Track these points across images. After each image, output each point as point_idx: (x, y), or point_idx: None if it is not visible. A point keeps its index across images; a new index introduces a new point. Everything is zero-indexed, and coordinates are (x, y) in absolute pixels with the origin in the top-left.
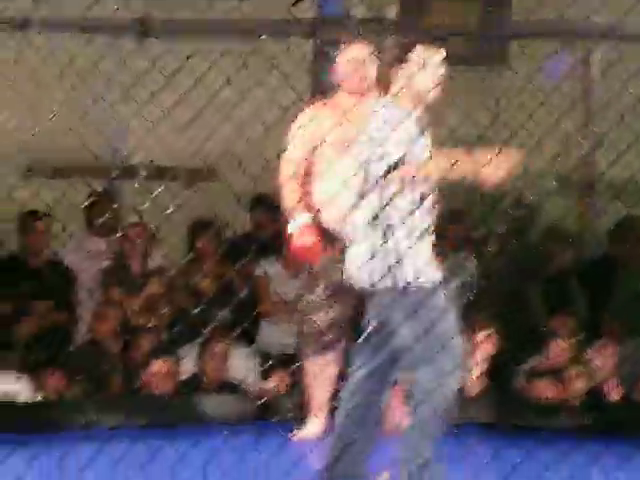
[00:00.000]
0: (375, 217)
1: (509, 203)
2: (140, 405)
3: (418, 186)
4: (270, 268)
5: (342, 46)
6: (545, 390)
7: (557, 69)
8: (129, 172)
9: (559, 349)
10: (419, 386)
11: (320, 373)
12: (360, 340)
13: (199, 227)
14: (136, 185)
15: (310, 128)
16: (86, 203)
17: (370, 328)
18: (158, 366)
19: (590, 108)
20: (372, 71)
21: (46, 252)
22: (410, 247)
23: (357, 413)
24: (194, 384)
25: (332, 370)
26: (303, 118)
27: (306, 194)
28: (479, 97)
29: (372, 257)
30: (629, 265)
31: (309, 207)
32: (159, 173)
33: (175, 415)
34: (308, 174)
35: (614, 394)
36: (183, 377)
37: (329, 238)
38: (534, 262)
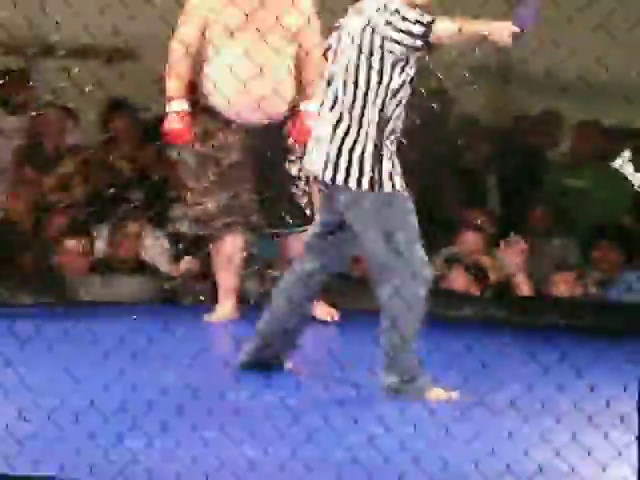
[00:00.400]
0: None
1: (425, 93)
2: (52, 284)
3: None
4: (185, 151)
5: None
6: (457, 280)
7: (529, 15)
8: (48, 50)
9: (470, 240)
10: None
11: (225, 258)
12: (310, 232)
13: (114, 106)
14: (54, 63)
15: (203, 10)
16: (1, 81)
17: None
18: (72, 244)
19: None
20: None
21: None
22: (377, 147)
23: (294, 301)
24: (106, 264)
25: (237, 254)
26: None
27: (195, 75)
28: None
29: (339, 151)
30: (546, 160)
31: (194, 89)
32: (78, 52)
33: (86, 295)
34: (200, 54)
35: (524, 289)
36: (96, 257)
37: (219, 122)
38: (449, 154)
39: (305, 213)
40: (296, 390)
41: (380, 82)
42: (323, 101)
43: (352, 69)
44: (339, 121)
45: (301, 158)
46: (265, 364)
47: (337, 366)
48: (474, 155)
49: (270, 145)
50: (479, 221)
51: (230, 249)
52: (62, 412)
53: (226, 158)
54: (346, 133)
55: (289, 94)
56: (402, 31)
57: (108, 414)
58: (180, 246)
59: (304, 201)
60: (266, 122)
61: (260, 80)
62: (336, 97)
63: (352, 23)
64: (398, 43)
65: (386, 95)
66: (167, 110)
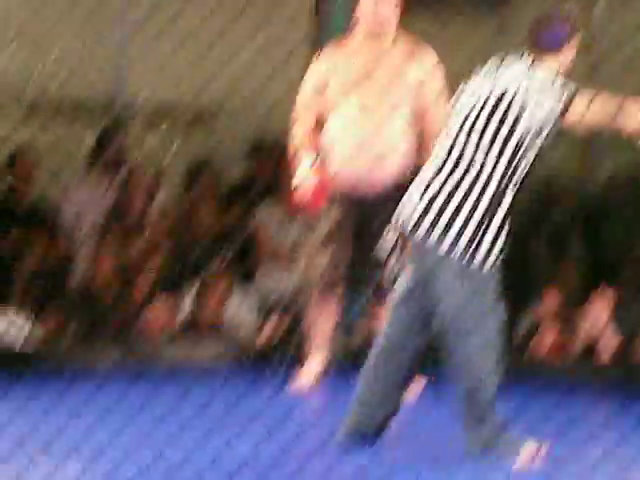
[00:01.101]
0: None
1: None
2: (139, 345)
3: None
4: (269, 213)
5: None
6: (545, 339)
7: (557, 37)
8: (133, 111)
9: (556, 300)
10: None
11: (321, 314)
12: (398, 294)
13: (197, 169)
14: (139, 125)
15: (323, 69)
16: (92, 141)
17: (410, 283)
18: (159, 304)
19: (592, 57)
20: (392, 11)
21: (32, 192)
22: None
23: (384, 371)
24: (192, 324)
25: (333, 312)
26: (318, 60)
27: (316, 136)
28: (482, 41)
29: (453, 216)
30: (624, 214)
31: (316, 148)
32: (164, 113)
33: (173, 356)
34: (320, 117)
35: (610, 343)
36: (182, 316)
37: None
38: (535, 211)
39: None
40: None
41: (515, 153)
42: (442, 160)
43: (487, 136)
44: (459, 187)
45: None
46: (366, 435)
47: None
48: (561, 212)
49: (369, 217)
50: (566, 278)
51: (325, 304)
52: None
53: (333, 217)
54: (465, 200)
55: (401, 154)
56: (544, 107)
57: None
58: (268, 305)
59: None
60: (374, 188)
61: (370, 143)
62: (460, 161)
63: (489, 84)
64: (539, 119)
65: (517, 169)
66: (297, 167)
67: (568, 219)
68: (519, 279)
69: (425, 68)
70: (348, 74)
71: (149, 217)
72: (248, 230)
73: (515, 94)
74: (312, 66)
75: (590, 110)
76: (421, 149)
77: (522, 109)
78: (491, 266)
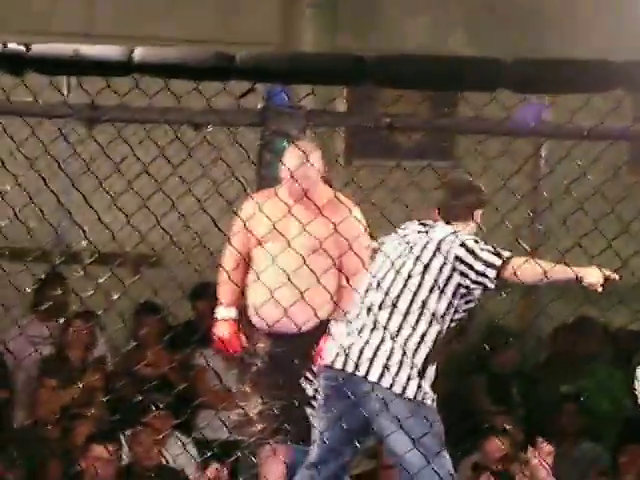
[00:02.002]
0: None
1: None
2: None
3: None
4: (210, 357)
5: (288, 144)
6: None
7: (530, 116)
8: (74, 257)
9: (496, 447)
10: None
11: (266, 466)
12: (323, 424)
13: (145, 311)
14: (80, 271)
15: (250, 220)
16: (34, 287)
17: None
18: (98, 451)
19: (537, 204)
20: (314, 172)
21: None
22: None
23: None
24: (131, 471)
25: (277, 466)
26: (245, 209)
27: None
28: (425, 192)
29: (378, 347)
30: (567, 367)
31: (240, 299)
32: (103, 259)
33: None
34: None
35: None
36: (123, 463)
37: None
38: (475, 360)
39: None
40: None
41: (446, 312)
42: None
43: (419, 292)
44: (398, 333)
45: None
46: None
47: None
48: (500, 360)
49: (295, 356)
50: (505, 426)
51: (274, 459)
52: None
53: (256, 364)
54: (394, 346)
55: (318, 304)
56: (477, 272)
57: None
58: (207, 453)
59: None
60: (294, 331)
61: (287, 289)
62: (393, 309)
63: (411, 244)
64: (471, 282)
65: (450, 322)
66: (215, 315)
67: (510, 369)
68: (459, 426)
69: (344, 217)
70: (268, 224)
71: (87, 366)
72: (189, 374)
73: (442, 253)
74: (241, 215)
75: (525, 268)
76: (340, 291)
77: (449, 268)
78: (431, 401)
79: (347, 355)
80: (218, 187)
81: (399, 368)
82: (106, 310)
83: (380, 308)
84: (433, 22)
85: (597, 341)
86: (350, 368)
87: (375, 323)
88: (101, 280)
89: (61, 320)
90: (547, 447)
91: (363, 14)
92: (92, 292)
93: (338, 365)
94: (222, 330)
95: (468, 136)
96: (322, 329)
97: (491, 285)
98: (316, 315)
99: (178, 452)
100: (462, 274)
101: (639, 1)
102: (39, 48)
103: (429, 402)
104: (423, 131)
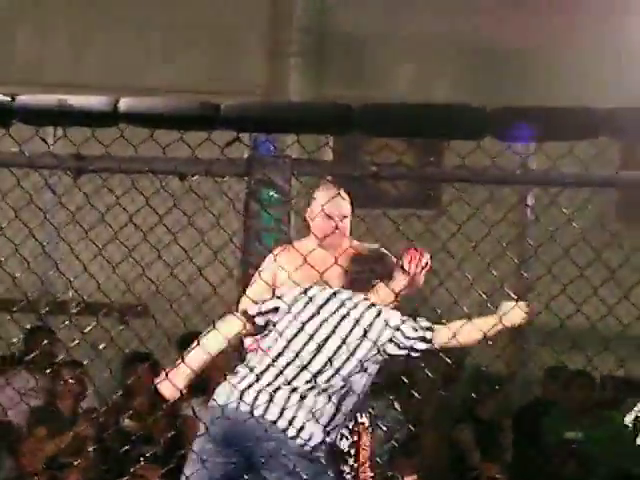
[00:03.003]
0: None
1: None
2: None
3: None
4: (198, 407)
5: (323, 191)
6: None
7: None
8: (60, 307)
9: None
10: None
11: None
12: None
13: (135, 360)
14: (67, 322)
15: (272, 275)
16: (21, 338)
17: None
18: None
19: (523, 252)
20: (345, 225)
21: None
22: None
23: None
24: None
25: None
26: (269, 262)
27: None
28: (412, 240)
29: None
30: (557, 412)
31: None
32: (90, 309)
33: None
34: None
35: None
36: None
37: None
38: (462, 407)
39: None
40: None
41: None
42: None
43: (344, 348)
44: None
45: (352, 433)
46: None
47: None
48: (487, 407)
49: None
50: (495, 475)
51: None
52: None
53: None
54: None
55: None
56: (405, 348)
57: None
58: None
59: (350, 477)
60: None
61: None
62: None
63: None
64: (398, 355)
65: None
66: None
67: (499, 416)
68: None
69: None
70: (302, 276)
71: (77, 416)
72: (177, 424)
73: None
74: (264, 267)
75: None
76: None
77: (360, 333)
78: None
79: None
80: (204, 236)
81: (296, 412)
82: (93, 360)
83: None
84: (419, 70)
85: (592, 390)
86: (245, 409)
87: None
88: (87, 330)
89: (48, 371)
90: None
91: (349, 63)
92: (78, 342)
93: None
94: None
95: (454, 184)
96: None
97: (417, 355)
98: None
99: None
100: (391, 353)
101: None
102: (24, 99)
103: (320, 453)
104: (409, 180)
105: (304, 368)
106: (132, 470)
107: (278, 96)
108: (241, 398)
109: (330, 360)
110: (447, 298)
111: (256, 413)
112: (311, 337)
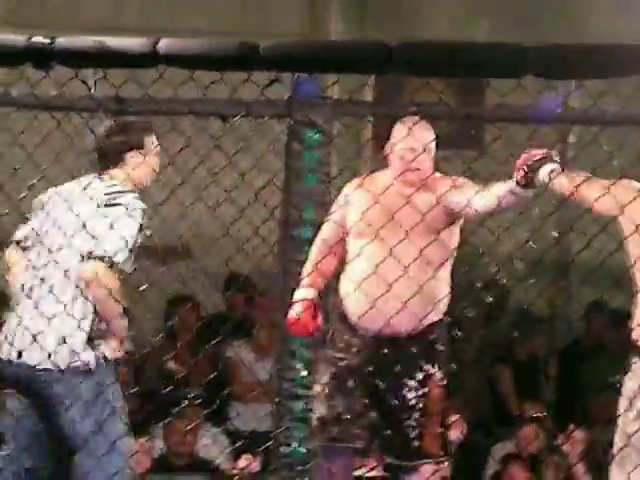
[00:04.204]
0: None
1: (480, 287)
2: None
3: None
4: (241, 349)
5: (403, 123)
6: (519, 476)
7: (553, 105)
8: None
9: (529, 436)
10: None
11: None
12: None
13: (178, 302)
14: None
15: (345, 203)
16: None
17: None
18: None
19: None
20: (426, 158)
21: None
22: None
23: None
24: (164, 463)
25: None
26: (348, 190)
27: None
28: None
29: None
30: (600, 351)
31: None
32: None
33: None
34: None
35: None
36: (155, 456)
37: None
38: (505, 347)
39: (412, 447)
40: None
41: None
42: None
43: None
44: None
45: (421, 386)
46: None
47: None
48: (530, 347)
49: (391, 364)
50: (537, 414)
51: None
52: None
53: (345, 360)
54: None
55: (420, 307)
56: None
57: None
58: (238, 444)
59: (414, 434)
60: (393, 334)
61: (402, 285)
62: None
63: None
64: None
65: None
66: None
67: (541, 354)
68: (490, 415)
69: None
70: (373, 213)
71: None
72: (220, 366)
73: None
74: (343, 196)
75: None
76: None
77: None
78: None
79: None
80: (245, 178)
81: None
82: (135, 303)
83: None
84: (459, 12)
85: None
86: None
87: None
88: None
89: None
90: (579, 434)
91: (390, 5)
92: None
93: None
94: (297, 310)
95: (495, 124)
96: (425, 336)
97: None
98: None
99: (210, 443)
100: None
101: None
102: (63, 41)
103: (93, 367)
104: (449, 119)
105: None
106: (174, 412)
107: (318, 36)
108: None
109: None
110: (489, 238)
111: (25, 356)
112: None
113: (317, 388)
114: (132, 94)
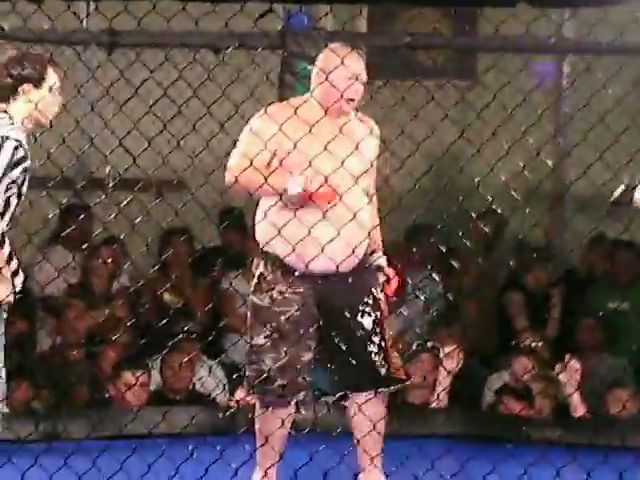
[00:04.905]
0: None
1: (476, 216)
2: (107, 417)
3: None
4: (237, 281)
5: (335, 54)
6: (513, 407)
7: (545, 71)
8: (96, 184)
9: (524, 366)
10: None
11: (270, 432)
12: None
13: (172, 234)
14: (103, 197)
15: (271, 130)
16: (57, 214)
17: None
18: (129, 378)
19: (559, 120)
20: (362, 92)
21: None
22: None
23: None
24: (162, 396)
25: (286, 428)
26: (266, 121)
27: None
28: (446, 110)
29: None
30: (597, 282)
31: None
32: (126, 184)
33: (142, 427)
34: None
35: (579, 409)
36: (152, 388)
37: (278, 270)
38: (509, 275)
39: (379, 373)
40: None
41: None
42: None
43: None
44: None
45: (375, 309)
46: None
47: None
48: (534, 276)
49: (339, 297)
50: (533, 343)
51: (280, 422)
52: None
53: (285, 312)
54: None
55: (361, 240)
56: None
57: None
58: (235, 376)
59: (378, 358)
60: (335, 271)
61: (329, 226)
62: None
63: None
64: None
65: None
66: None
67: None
68: (486, 344)
69: (376, 142)
70: (309, 146)
71: (111, 297)
72: (215, 298)
73: None
74: (257, 126)
75: None
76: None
77: None
78: None
79: None
80: (239, 109)
81: None
82: (129, 235)
83: None
84: None
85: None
86: None
87: None
88: (123, 205)
89: (85, 248)
90: (575, 364)
91: None
92: (114, 216)
93: None
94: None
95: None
96: (364, 265)
97: None
98: (358, 251)
99: (206, 376)
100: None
101: None
102: None
103: None
104: (443, 49)
105: None
106: (171, 344)
107: None
108: None
109: None
110: (484, 167)
111: None
112: None
113: (259, 341)
114: (125, 27)
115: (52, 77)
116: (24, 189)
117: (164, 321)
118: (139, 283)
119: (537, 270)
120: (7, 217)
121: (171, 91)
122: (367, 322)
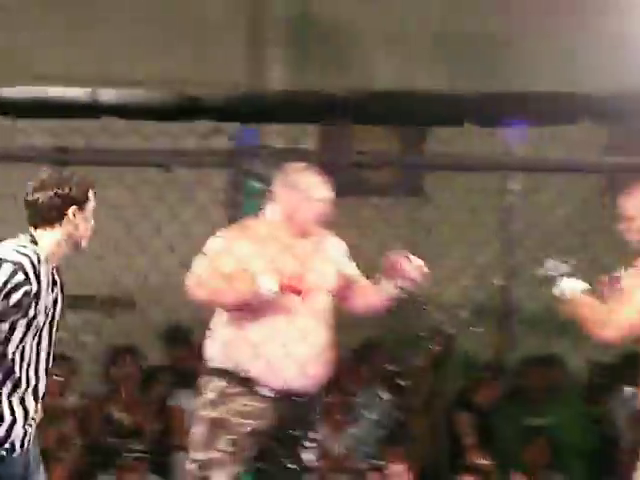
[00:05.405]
0: None
1: (426, 335)
2: None
3: None
4: (186, 400)
5: (303, 174)
6: None
7: (516, 132)
8: None
9: None
10: None
11: None
12: None
13: (119, 353)
14: None
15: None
16: None
17: None
18: None
19: (508, 238)
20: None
21: None
22: None
23: None
24: None
25: None
26: (219, 243)
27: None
28: (395, 228)
29: None
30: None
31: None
32: (75, 302)
33: None
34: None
35: None
36: None
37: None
38: (458, 393)
39: None
40: None
41: None
42: None
43: None
44: None
45: (318, 445)
46: None
47: None
48: (482, 394)
49: (293, 420)
50: (480, 462)
51: None
52: None
53: (243, 425)
54: None
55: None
56: None
57: None
58: None
59: None
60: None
61: (302, 344)
62: None
63: None
64: None
65: None
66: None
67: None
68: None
69: (339, 256)
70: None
71: (61, 413)
72: (164, 416)
73: None
74: (214, 250)
75: None
76: None
77: None
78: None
79: None
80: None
81: None
82: (78, 354)
83: None
84: (402, 60)
85: (563, 375)
86: None
87: None
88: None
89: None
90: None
91: (331, 53)
92: (62, 334)
93: None
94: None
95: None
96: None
97: None
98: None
99: None
100: None
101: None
102: (6, 91)
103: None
104: (393, 167)
105: None
106: (120, 463)
107: (260, 85)
108: None
109: None
110: (433, 285)
111: None
112: None
113: (214, 454)
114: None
115: (93, 200)
116: (31, 313)
117: (114, 439)
118: (88, 401)
119: (486, 387)
120: (14, 342)
121: (120, 209)
122: (307, 457)
